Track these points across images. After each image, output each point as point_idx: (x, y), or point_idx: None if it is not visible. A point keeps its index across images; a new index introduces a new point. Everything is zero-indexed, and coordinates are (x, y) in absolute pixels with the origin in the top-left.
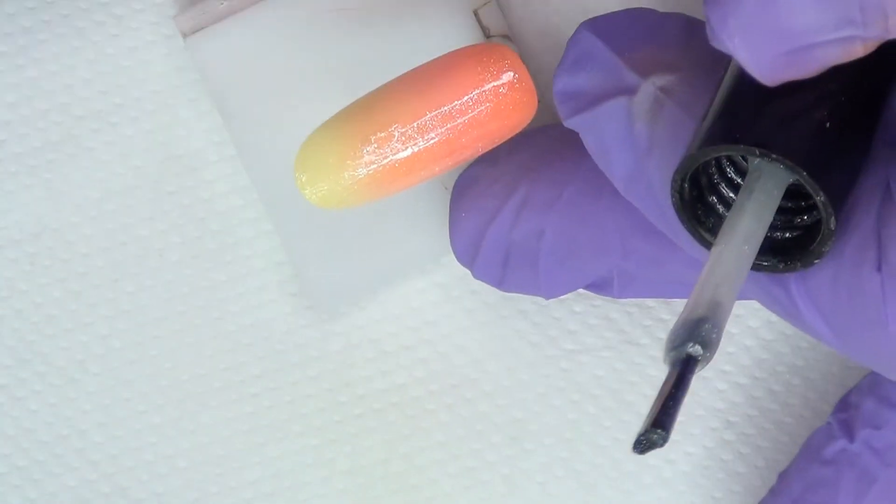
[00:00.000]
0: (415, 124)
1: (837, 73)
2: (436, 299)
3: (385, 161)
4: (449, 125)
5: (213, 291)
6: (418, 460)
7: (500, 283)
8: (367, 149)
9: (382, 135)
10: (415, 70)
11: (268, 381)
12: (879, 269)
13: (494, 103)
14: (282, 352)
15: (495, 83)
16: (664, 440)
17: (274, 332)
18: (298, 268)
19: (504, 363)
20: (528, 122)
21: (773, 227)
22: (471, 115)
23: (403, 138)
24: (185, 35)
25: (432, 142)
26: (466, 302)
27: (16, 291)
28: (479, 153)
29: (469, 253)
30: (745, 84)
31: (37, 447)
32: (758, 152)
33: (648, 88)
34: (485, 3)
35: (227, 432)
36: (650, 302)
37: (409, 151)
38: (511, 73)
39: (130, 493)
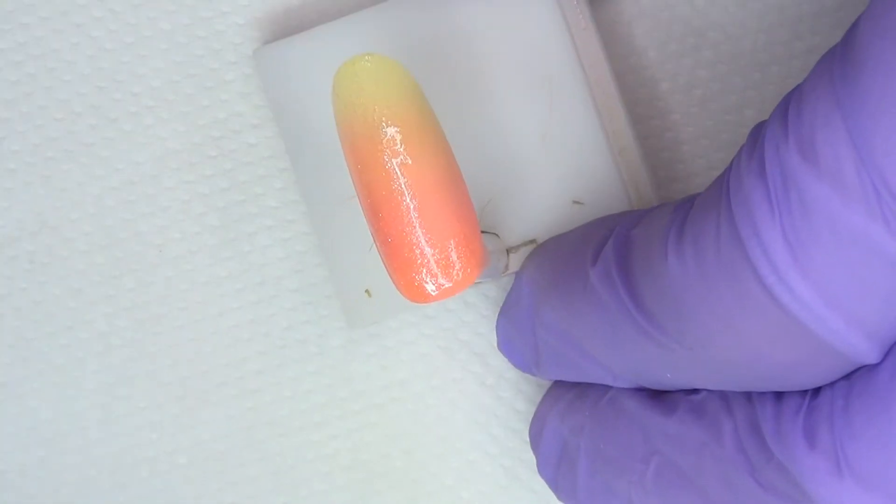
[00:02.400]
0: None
1: None
2: None
3: None
4: None
5: (213, 288)
6: (419, 455)
7: (555, 486)
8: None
9: None
10: None
11: (268, 377)
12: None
13: None
14: (282, 348)
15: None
16: None
17: (274, 328)
18: (338, 286)
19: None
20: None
21: None
22: None
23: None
24: (256, 46)
25: None
26: (468, 297)
27: (15, 289)
28: None
29: (536, 439)
30: None
31: (37, 444)
32: None
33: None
34: None
35: (228, 429)
36: None
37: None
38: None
39: (130, 489)
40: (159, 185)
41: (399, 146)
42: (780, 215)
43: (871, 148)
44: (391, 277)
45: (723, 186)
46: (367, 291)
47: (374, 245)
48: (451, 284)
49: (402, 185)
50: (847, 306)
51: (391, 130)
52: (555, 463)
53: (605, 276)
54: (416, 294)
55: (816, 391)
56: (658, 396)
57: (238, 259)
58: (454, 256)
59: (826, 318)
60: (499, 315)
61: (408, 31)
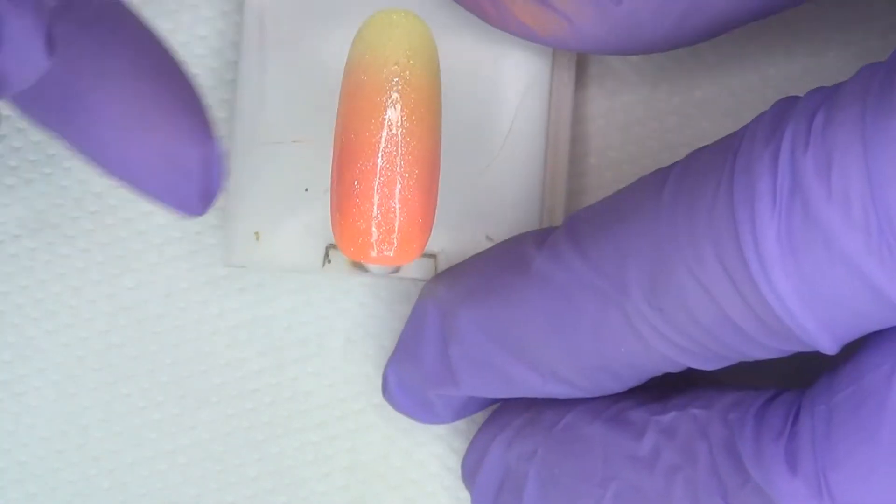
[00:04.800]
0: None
1: None
2: None
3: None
4: None
5: (213, 288)
6: (418, 455)
7: None
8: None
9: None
10: None
11: (268, 378)
12: None
13: None
14: (281, 347)
15: None
16: None
17: (274, 328)
18: (229, 219)
19: None
20: None
21: None
22: None
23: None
24: None
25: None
26: None
27: (15, 286)
28: None
29: (472, 471)
30: None
31: (37, 442)
32: None
33: None
34: None
35: (227, 429)
36: None
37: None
38: None
39: (130, 488)
40: None
41: (402, 110)
42: (779, 214)
43: (885, 192)
44: (335, 222)
45: (730, 152)
46: (256, 234)
47: (331, 187)
48: (391, 255)
49: (398, 143)
50: (820, 311)
51: (403, 89)
52: (494, 492)
53: (556, 256)
54: (354, 244)
55: (797, 415)
56: (622, 418)
57: None
58: (409, 231)
59: (797, 315)
60: (388, 363)
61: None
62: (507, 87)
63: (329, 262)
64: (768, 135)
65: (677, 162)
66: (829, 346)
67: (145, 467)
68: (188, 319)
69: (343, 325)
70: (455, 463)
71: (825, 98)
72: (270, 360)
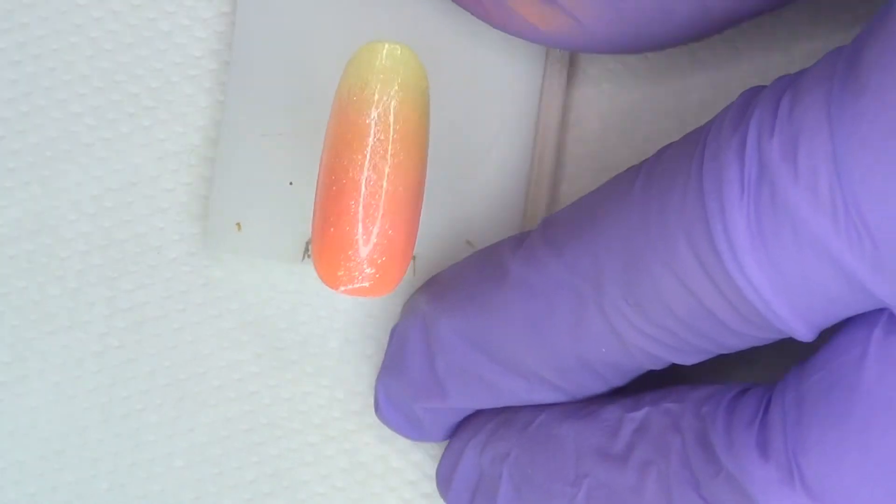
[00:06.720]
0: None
1: None
2: None
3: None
4: None
5: (211, 289)
6: (415, 456)
7: None
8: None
9: None
10: None
11: (266, 379)
12: None
13: None
14: (280, 349)
15: None
16: None
17: (272, 329)
18: (213, 208)
19: None
20: None
21: None
22: None
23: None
24: None
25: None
26: None
27: (14, 289)
28: None
29: (446, 478)
30: None
31: (36, 444)
32: None
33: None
34: None
35: (226, 431)
36: None
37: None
38: None
39: (129, 490)
40: (158, 187)
41: (389, 138)
42: (748, 201)
43: (850, 171)
44: (316, 249)
45: (699, 143)
46: (238, 224)
47: (314, 213)
48: (367, 286)
49: (382, 175)
50: (793, 298)
51: (390, 119)
52: (468, 498)
53: (532, 258)
54: (332, 272)
55: (768, 404)
56: (595, 416)
57: (237, 260)
58: (388, 264)
59: (771, 303)
60: (378, 379)
61: (401, 17)
62: (496, 92)
63: (308, 256)
64: (735, 123)
65: (645, 161)
66: (804, 334)
67: (144, 469)
68: (186, 322)
69: (341, 325)
70: None
71: (790, 83)
72: (269, 362)
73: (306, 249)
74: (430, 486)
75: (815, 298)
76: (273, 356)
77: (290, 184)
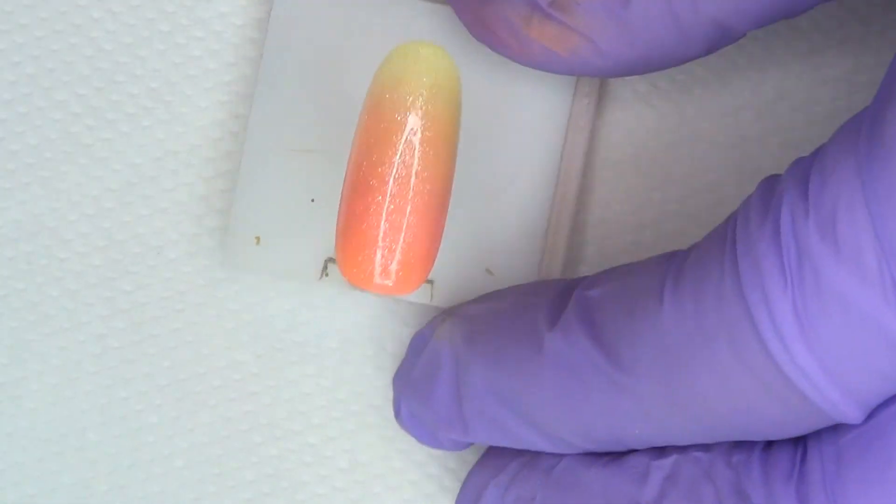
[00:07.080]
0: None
1: None
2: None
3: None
4: None
5: (211, 289)
6: (416, 456)
7: None
8: None
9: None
10: None
11: (266, 380)
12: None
13: None
14: (280, 349)
15: None
16: None
17: (272, 329)
18: (232, 222)
19: None
20: None
21: None
22: None
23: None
24: None
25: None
26: None
27: (13, 290)
28: None
29: None
30: None
31: (35, 445)
32: None
33: None
34: None
35: (226, 431)
36: None
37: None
38: None
39: (128, 491)
40: (157, 187)
41: (420, 140)
42: (792, 287)
43: (892, 238)
44: (339, 244)
45: (726, 240)
46: (256, 238)
47: (339, 207)
48: (390, 284)
49: (411, 173)
50: (846, 380)
51: (423, 121)
52: None
53: (569, 338)
54: (356, 268)
55: (804, 455)
56: (622, 462)
57: None
58: (412, 263)
59: (824, 389)
60: (399, 391)
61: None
62: (524, 123)
63: (327, 275)
64: (763, 212)
65: (670, 261)
66: (854, 416)
67: (143, 470)
68: (186, 322)
69: (342, 326)
70: (455, 464)
71: (812, 162)
72: (269, 363)
73: (325, 268)
74: (432, 487)
75: (868, 378)
76: (273, 356)
77: (312, 201)
